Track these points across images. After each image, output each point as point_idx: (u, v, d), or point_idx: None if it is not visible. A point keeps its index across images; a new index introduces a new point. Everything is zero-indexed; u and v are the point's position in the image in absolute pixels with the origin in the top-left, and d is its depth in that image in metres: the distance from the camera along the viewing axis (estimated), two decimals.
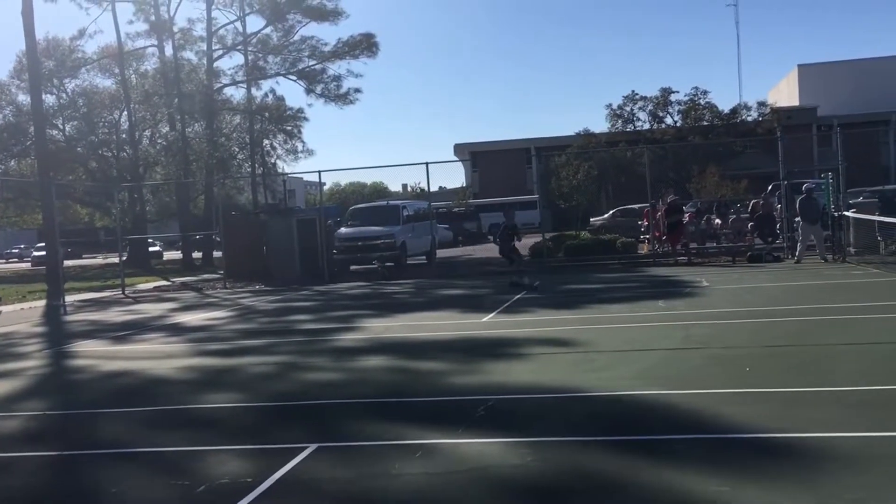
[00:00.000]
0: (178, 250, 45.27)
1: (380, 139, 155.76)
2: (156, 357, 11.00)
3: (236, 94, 42.64)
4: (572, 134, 53.95)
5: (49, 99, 40.21)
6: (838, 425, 5.74)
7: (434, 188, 43.04)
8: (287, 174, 45.06)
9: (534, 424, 6.30)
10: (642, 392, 7.06)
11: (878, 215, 20.58)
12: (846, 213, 20.53)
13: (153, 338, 13.18)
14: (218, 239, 29.12)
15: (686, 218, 24.17)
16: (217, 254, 33.50)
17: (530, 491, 4.87)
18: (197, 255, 39.13)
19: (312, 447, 5.99)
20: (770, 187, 26.72)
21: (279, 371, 9.43)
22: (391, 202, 30.82)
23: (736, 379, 7.44)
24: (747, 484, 4.69)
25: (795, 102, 59.50)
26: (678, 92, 52.38)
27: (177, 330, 14.02)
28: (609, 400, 6.94)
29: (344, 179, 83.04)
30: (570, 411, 6.74)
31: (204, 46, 38.52)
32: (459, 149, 62.73)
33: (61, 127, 41.70)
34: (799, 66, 63.28)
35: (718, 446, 5.50)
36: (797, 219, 21.54)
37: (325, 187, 73.81)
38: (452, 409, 6.99)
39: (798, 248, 19.99)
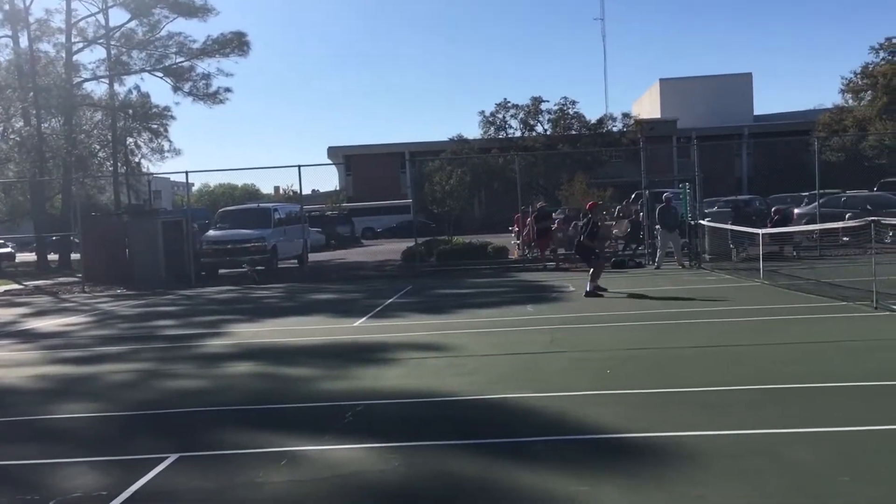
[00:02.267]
0: (32, 252, 42.80)
1: (252, 140, 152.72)
2: (4, 366, 10.36)
3: (98, 89, 40.78)
4: (446, 139, 54.47)
5: None
6: (686, 425, 6.04)
7: (307, 191, 42.49)
8: (152, 174, 43.45)
9: (401, 429, 6.32)
10: (508, 395, 7.21)
11: (731, 224, 21.84)
12: (702, 222, 21.65)
13: (2, 345, 12.40)
14: (76, 240, 27.74)
15: (555, 224, 24.85)
16: (75, 256, 31.88)
17: (396, 497, 4.89)
18: (53, 257, 37.11)
19: (173, 457, 5.80)
20: (633, 196, 27.85)
21: (139, 379, 9.06)
22: (262, 205, 30.21)
23: (597, 381, 7.71)
24: (605, 483, 4.87)
25: (657, 114, 62.29)
26: (548, 101, 53.86)
27: (28, 336, 13.25)
28: (476, 404, 7.05)
29: (213, 181, 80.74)
30: (438, 416, 6.80)
31: (62, 39, 36.58)
32: (333, 152, 62.22)
33: None
34: (660, 79, 66.31)
35: (579, 447, 5.68)
36: (657, 226, 22.56)
37: (194, 188, 71.53)
38: (320, 416, 6.93)
39: (658, 255, 20.91)
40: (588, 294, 14.81)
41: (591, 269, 15.34)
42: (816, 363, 8.15)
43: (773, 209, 24.50)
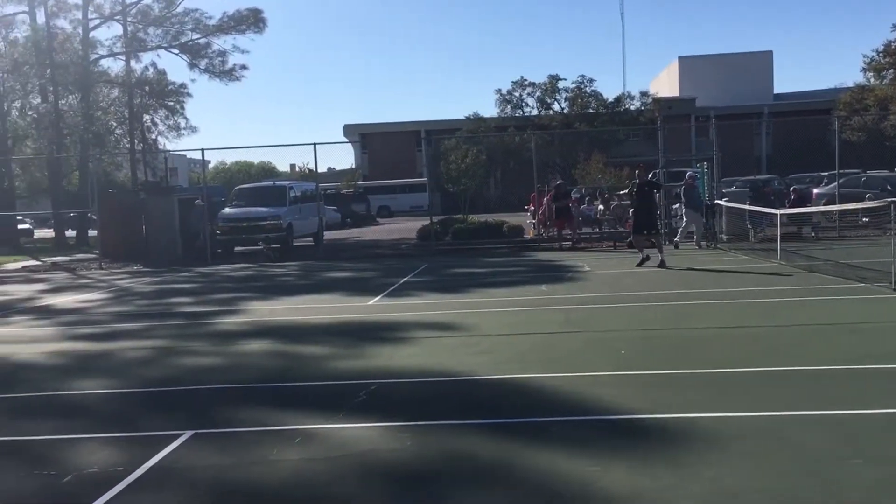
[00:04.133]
0: (50, 228, 43.14)
1: (268, 118, 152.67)
2: (21, 341, 10.46)
3: (114, 66, 40.99)
4: (462, 118, 54.29)
5: None
6: (699, 406, 6.01)
7: (323, 169, 42.31)
8: (169, 151, 43.56)
9: (414, 408, 6.33)
10: (522, 375, 7.19)
11: (749, 204, 21.66)
12: (719, 202, 21.50)
13: (19, 321, 12.53)
14: (93, 217, 27.90)
15: (571, 203, 24.70)
16: (92, 233, 32.09)
17: (408, 476, 4.90)
18: (71, 233, 37.38)
19: (188, 434, 5.83)
20: (650, 175, 27.63)
21: (155, 356, 9.12)
22: (277, 182, 30.23)
23: (611, 362, 7.68)
24: (616, 464, 4.85)
25: (675, 93, 61.75)
26: (566, 79, 53.62)
27: (46, 313, 13.36)
28: (489, 383, 7.04)
29: (230, 158, 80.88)
30: (452, 395, 6.80)
31: (79, 15, 36.63)
32: (349, 129, 62.18)
33: None
34: (679, 58, 65.69)
35: (592, 427, 5.67)
36: (675, 206, 22.42)
37: (210, 166, 71.83)
38: (334, 394, 6.95)
39: (679, 233, 20.70)
40: (661, 265, 15.59)
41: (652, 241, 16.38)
42: (832, 345, 8.08)
43: (791, 189, 24.29)
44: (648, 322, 9.80)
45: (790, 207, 20.43)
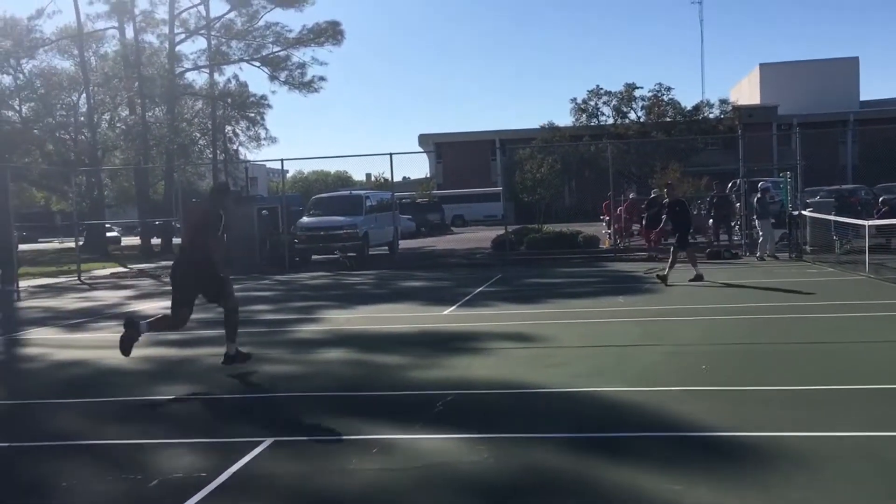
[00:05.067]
0: (136, 236, 44.60)
1: (344, 128, 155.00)
2: (110, 346, 10.75)
3: (198, 78, 42.10)
4: (537, 127, 54.03)
5: (5, 79, 39.40)
6: (790, 425, 5.82)
7: (398, 178, 42.68)
8: (249, 161, 44.61)
9: (492, 421, 6.31)
10: (599, 389, 7.10)
11: (834, 215, 20.96)
12: (803, 212, 20.87)
13: (108, 326, 12.97)
14: (178, 225, 28.73)
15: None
16: (177, 240, 33.06)
17: (487, 490, 4.87)
18: (156, 241, 38.60)
19: (268, 441, 5.93)
20: (729, 185, 27.04)
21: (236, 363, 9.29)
22: (354, 192, 30.63)
23: (692, 376, 7.52)
24: (699, 483, 4.74)
25: (756, 101, 60.30)
26: (642, 88, 52.79)
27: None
28: (567, 396, 6.97)
29: (307, 168, 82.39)
30: (529, 408, 6.76)
31: (166, 30, 37.92)
32: (424, 139, 62.58)
33: (17, 108, 40.76)
34: (760, 65, 64.14)
35: (673, 445, 5.55)
36: (754, 217, 21.84)
37: (288, 175, 73.30)
38: (411, 404, 6.98)
39: (759, 247, 20.13)
40: (694, 279, 15.08)
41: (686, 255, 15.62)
42: None
43: (880, 199, 23.38)
44: (729, 336, 9.57)
45: (878, 218, 19.68)
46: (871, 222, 17.71)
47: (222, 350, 9.97)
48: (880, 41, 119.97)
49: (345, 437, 6.03)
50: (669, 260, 15.68)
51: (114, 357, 9.87)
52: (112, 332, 12.18)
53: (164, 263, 27.89)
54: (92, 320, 13.72)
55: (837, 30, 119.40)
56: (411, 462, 5.40)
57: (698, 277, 15.15)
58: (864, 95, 62.53)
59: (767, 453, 5.22)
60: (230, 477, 5.22)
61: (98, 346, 10.96)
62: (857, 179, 46.27)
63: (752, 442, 5.46)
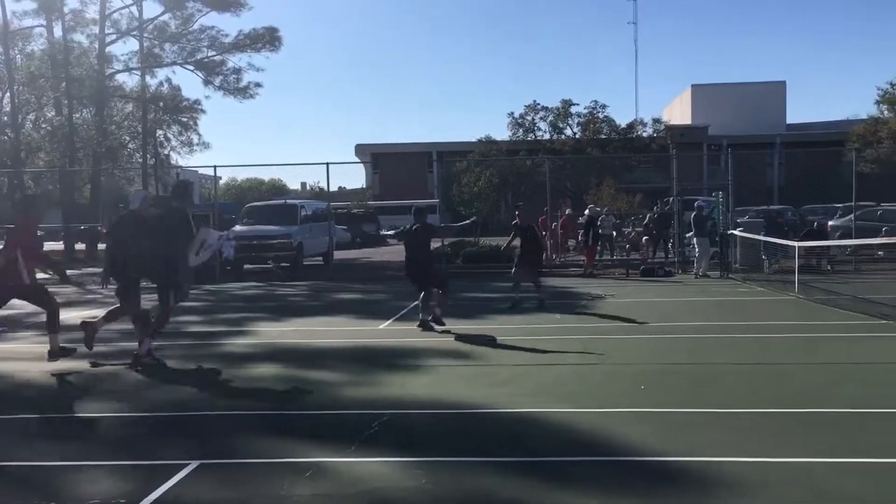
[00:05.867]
0: (61, 241, 43.09)
1: (280, 136, 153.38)
2: (26, 358, 10.25)
3: (129, 81, 40.95)
4: (474, 140, 54.21)
5: None
6: (727, 449, 5.75)
7: (334, 188, 42.28)
8: (181, 167, 43.57)
9: (430, 443, 6.10)
10: (541, 409, 6.95)
11: (763, 235, 21.41)
12: (734, 232, 21.26)
13: (25, 336, 12.35)
14: (104, 231, 27.77)
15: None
16: (102, 247, 31.98)
17: None
18: (80, 247, 37.31)
19: (194, 464, 5.61)
20: (659, 203, 27.45)
21: (162, 378, 8.88)
22: (289, 201, 30.13)
23: (632, 397, 7.44)
24: None
25: (688, 121, 61.64)
26: (578, 105, 53.46)
27: None
28: (507, 418, 6.80)
29: (241, 175, 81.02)
30: (468, 429, 6.56)
31: (96, 29, 36.73)
32: (361, 149, 62.22)
33: None
34: (692, 85, 65.69)
35: (615, 469, 5.42)
36: (688, 234, 22.16)
37: (221, 182, 71.98)
38: (346, 424, 6.71)
39: (703, 263, 20.32)
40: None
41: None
42: (862, 386, 7.78)
43: (815, 223, 23.97)
44: (667, 355, 9.56)
45: (809, 239, 20.15)
46: (801, 244, 18.10)
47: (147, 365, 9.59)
48: (806, 67, 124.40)
49: (276, 460, 5.74)
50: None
51: (31, 370, 9.38)
52: (28, 343, 11.59)
53: (88, 270, 26.88)
54: (6, 330, 13.04)
55: (767, 54, 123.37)
56: (345, 487, 5.15)
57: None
58: (791, 119, 64.61)
59: (706, 479, 5.14)
60: (152, 503, 4.89)
61: (14, 357, 10.39)
62: (783, 200, 47.64)
63: (691, 467, 5.37)
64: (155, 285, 10.13)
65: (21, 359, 10.27)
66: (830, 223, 26.40)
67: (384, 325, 12.79)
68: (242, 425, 6.79)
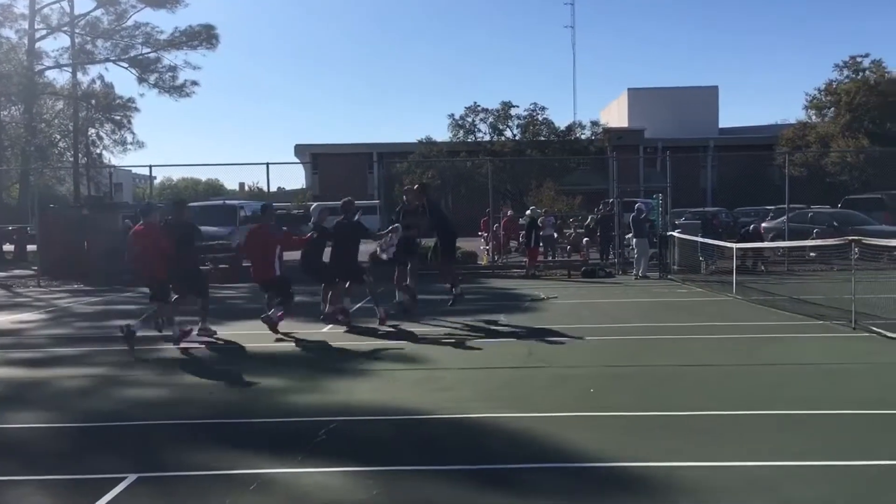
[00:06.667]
0: None
1: (218, 135, 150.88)
2: None
3: (60, 78, 39.77)
4: (414, 141, 54.02)
5: None
6: (677, 454, 5.72)
7: (273, 189, 41.37)
8: (114, 166, 42.45)
9: (379, 452, 5.95)
10: (489, 415, 6.86)
11: (700, 236, 21.75)
12: (672, 233, 21.54)
13: None
14: (33, 232, 26.85)
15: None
16: (32, 248, 30.94)
17: None
18: (9, 248, 36.03)
19: (131, 478, 5.36)
20: (601, 204, 27.74)
21: (95, 385, 8.56)
22: (228, 201, 29.57)
23: (580, 401, 7.40)
24: None
25: (625, 123, 62.50)
26: (518, 106, 53.60)
27: None
28: (456, 423, 6.69)
29: (176, 175, 79.35)
30: (417, 436, 6.43)
31: (25, 25, 35.58)
32: (300, 149, 61.45)
33: None
34: (629, 89, 66.56)
35: (564, 476, 5.35)
36: (628, 235, 22.40)
37: (156, 182, 70.39)
38: (291, 433, 6.51)
39: (642, 264, 20.53)
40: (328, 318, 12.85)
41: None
42: (805, 387, 7.90)
43: (751, 226, 24.47)
44: (613, 357, 9.57)
45: (744, 241, 20.55)
46: (739, 245, 18.42)
47: (80, 371, 9.27)
48: (738, 72, 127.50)
49: (219, 472, 5.52)
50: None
51: None
52: None
53: (16, 272, 25.94)
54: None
55: (700, 59, 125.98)
56: (293, 500, 4.98)
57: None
58: (723, 123, 66.03)
59: (661, 485, 5.10)
60: None
61: None
62: (716, 202, 48.63)
63: (644, 473, 5.33)
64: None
65: None
66: (763, 225, 26.99)
67: (327, 327, 12.57)
68: (182, 435, 6.54)
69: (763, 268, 21.83)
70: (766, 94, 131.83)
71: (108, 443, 6.45)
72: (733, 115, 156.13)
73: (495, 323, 12.74)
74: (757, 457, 5.63)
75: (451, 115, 54.33)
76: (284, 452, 5.93)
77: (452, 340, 11.04)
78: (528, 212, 23.64)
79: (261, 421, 6.95)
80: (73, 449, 6.28)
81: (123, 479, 5.33)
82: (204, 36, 36.46)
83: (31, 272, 24.66)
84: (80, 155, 39.95)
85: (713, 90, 65.88)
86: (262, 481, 5.29)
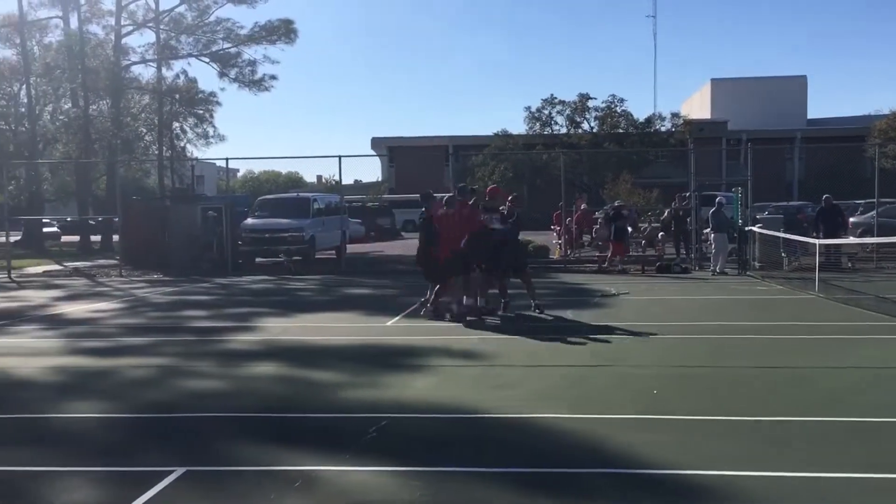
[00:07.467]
0: (76, 234, 43.10)
1: (296, 128, 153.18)
2: (23, 354, 10.04)
3: (145, 73, 40.81)
4: (490, 134, 53.77)
5: None
6: (746, 462, 5.38)
7: (349, 181, 41.99)
8: (196, 159, 43.46)
9: (429, 451, 5.78)
10: (547, 415, 6.61)
11: (783, 231, 20.92)
12: (753, 228, 20.78)
13: (26, 330, 12.14)
14: (118, 221, 27.66)
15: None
16: (118, 238, 31.93)
17: None
18: (96, 238, 37.29)
19: (180, 471, 5.34)
20: (676, 198, 26.98)
21: (156, 376, 8.62)
22: (301, 194, 29.89)
23: (642, 402, 7.08)
24: None
25: (707, 115, 60.92)
26: (596, 98, 52.81)
27: (55, 322, 12.97)
28: (510, 423, 6.48)
29: (258, 168, 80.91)
30: (470, 436, 6.23)
31: (112, 21, 36.69)
32: (377, 143, 61.93)
33: None
34: (712, 80, 64.85)
35: (623, 483, 5.09)
36: (706, 230, 21.71)
37: (239, 174, 71.94)
38: (342, 429, 6.42)
39: (720, 260, 19.91)
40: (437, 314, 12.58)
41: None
42: (886, 394, 7.39)
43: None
44: (682, 357, 9.19)
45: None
46: (823, 241, 17.63)
47: (144, 361, 9.40)
48: (828, 61, 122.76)
49: (266, 468, 5.44)
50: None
51: (24, 366, 9.16)
52: (29, 338, 11.39)
53: (101, 262, 26.79)
54: (10, 323, 12.87)
55: (787, 48, 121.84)
56: (336, 499, 4.87)
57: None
58: (812, 114, 63.73)
59: (719, 494, 4.81)
60: None
61: (11, 352, 10.16)
62: (801, 196, 46.94)
63: (703, 481, 5.03)
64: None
65: (17, 354, 10.04)
66: (852, 220, 25.85)
67: (392, 321, 12.50)
68: (234, 428, 6.50)
69: (850, 264, 20.87)
70: (857, 85, 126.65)
71: (159, 435, 6.45)
72: (823, 106, 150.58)
73: (562, 319, 12.44)
74: (832, 467, 5.25)
75: (528, 108, 53.94)
76: (332, 449, 5.83)
77: (517, 336, 10.81)
78: (616, 203, 23.09)
79: (312, 416, 6.87)
80: (123, 440, 6.29)
81: (171, 472, 5.30)
82: (283, 30, 36.92)
83: (114, 262, 25.41)
84: (164, 148, 41.03)
85: (801, 80, 63.68)
86: (307, 478, 5.19)
